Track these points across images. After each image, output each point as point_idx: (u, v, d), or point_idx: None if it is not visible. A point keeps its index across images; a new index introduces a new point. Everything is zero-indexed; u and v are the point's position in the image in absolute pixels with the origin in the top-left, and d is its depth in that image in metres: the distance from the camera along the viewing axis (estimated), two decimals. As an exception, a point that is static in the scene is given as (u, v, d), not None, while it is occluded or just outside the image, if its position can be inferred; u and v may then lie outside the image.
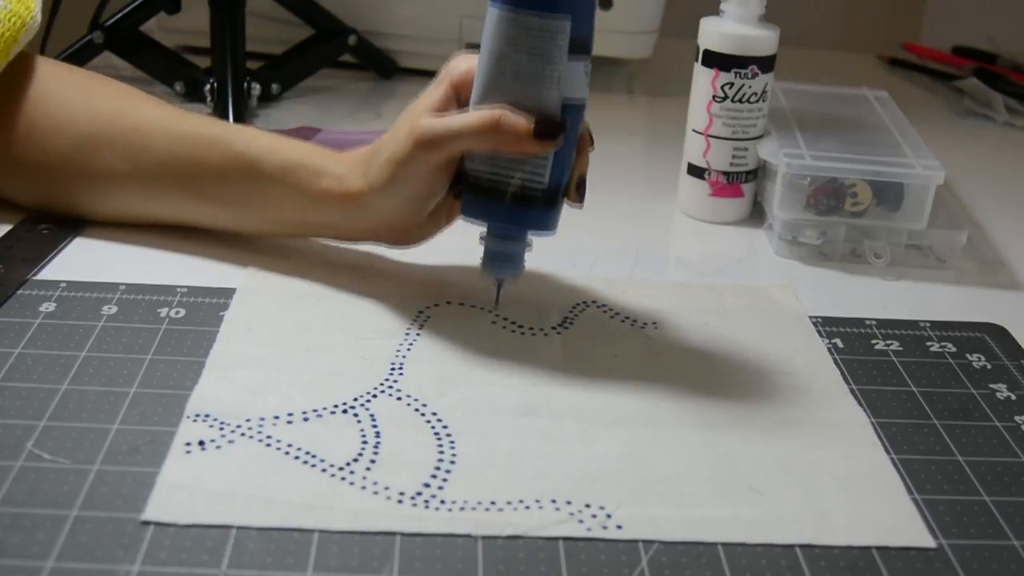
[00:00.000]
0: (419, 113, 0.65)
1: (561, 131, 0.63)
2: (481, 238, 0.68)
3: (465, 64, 0.66)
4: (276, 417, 0.58)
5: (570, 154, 0.65)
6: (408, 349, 0.65)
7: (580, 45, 0.63)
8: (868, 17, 1.48)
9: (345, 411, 0.59)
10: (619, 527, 0.53)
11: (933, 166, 0.81)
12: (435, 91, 0.66)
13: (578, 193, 0.67)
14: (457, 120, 0.64)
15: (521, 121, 0.62)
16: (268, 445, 0.56)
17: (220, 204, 0.73)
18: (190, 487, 0.53)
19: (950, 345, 0.71)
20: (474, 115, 0.63)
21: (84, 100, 0.75)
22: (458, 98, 0.66)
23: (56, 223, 0.76)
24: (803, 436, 0.60)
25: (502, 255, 0.67)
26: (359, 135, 0.92)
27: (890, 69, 1.33)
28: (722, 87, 0.83)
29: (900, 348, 0.70)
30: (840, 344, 0.70)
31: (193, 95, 1.03)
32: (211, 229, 0.75)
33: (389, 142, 0.66)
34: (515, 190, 0.65)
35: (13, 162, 0.75)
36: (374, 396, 0.61)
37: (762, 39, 0.83)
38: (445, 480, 0.55)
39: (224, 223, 0.74)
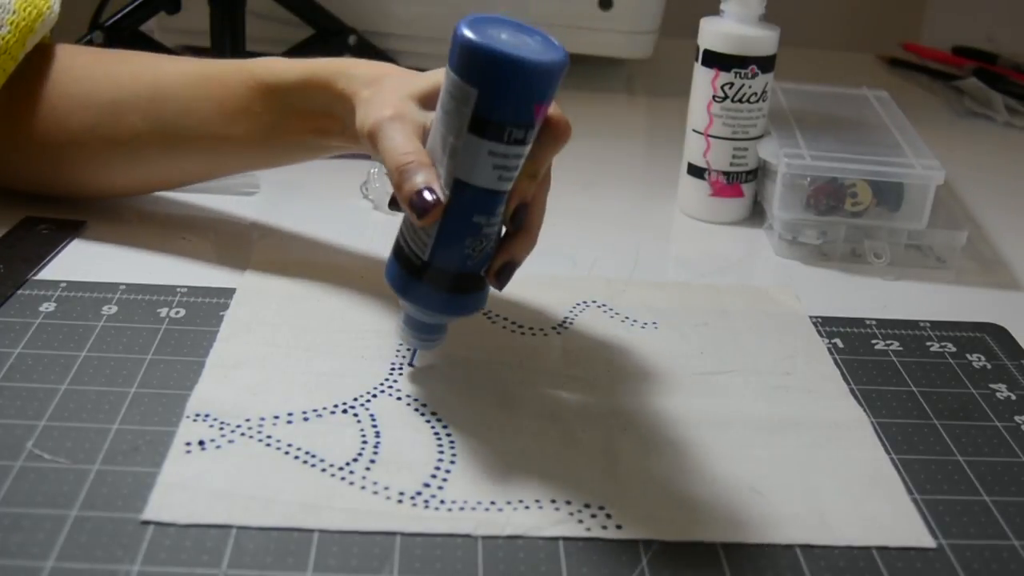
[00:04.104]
0: (406, 96, 0.62)
1: (433, 209, 0.56)
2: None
3: None
4: (276, 417, 0.58)
5: (460, 238, 0.57)
6: (408, 349, 0.65)
7: (484, 127, 0.54)
8: (868, 17, 1.48)
9: (345, 411, 0.59)
10: (619, 527, 0.53)
11: (933, 166, 0.81)
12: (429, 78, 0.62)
13: (498, 278, 0.60)
14: (390, 147, 0.59)
15: (411, 181, 0.57)
16: (268, 445, 0.56)
17: (244, 142, 0.72)
18: (190, 487, 0.53)
19: (950, 345, 0.71)
20: (395, 153, 0.59)
21: (101, 70, 0.75)
22: None
23: (56, 223, 0.76)
24: (803, 436, 0.60)
25: (413, 321, 0.61)
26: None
27: (890, 69, 1.33)
28: (722, 87, 0.83)
29: (900, 348, 0.70)
30: (840, 344, 0.70)
31: (193, 95, 1.03)
32: (233, 171, 0.76)
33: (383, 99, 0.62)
34: (407, 256, 0.59)
35: (38, 146, 0.74)
36: (374, 396, 0.61)
37: (762, 39, 0.83)
38: (445, 480, 0.55)
39: (248, 160, 0.75)
